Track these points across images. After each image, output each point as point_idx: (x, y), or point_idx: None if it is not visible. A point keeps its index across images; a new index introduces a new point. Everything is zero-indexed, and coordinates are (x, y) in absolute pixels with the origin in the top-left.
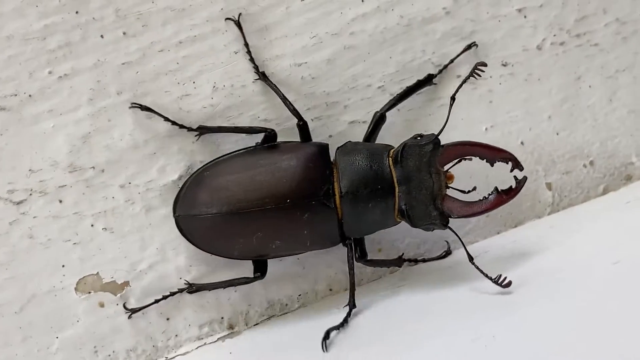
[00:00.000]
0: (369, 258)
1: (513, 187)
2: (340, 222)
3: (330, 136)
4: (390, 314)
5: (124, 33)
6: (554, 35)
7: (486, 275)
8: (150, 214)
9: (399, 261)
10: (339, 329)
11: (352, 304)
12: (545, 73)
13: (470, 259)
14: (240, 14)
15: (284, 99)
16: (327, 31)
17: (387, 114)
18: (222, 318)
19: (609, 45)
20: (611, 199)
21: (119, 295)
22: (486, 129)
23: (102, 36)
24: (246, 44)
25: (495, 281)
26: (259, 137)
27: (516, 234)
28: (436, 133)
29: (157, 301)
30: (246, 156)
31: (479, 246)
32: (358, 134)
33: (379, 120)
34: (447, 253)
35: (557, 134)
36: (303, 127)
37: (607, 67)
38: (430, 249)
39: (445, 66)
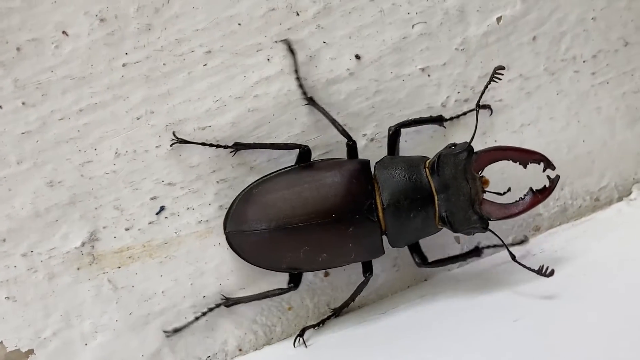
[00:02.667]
0: (429, 261)
1: (547, 186)
2: (383, 234)
3: None
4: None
5: (23, 103)
6: (458, 93)
7: (530, 269)
8: (53, 282)
9: (477, 251)
10: (314, 327)
11: (337, 313)
12: (451, 130)
13: (513, 257)
14: None
15: (333, 121)
16: (231, 94)
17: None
18: None
19: (514, 101)
20: (520, 251)
21: None
22: None
23: (0, 107)
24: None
25: (539, 272)
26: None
27: (423, 288)
28: (468, 141)
29: (197, 319)
30: (291, 173)
31: (387, 302)
32: None
33: (394, 134)
34: (524, 240)
35: None
36: (352, 146)
37: (512, 122)
38: None
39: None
